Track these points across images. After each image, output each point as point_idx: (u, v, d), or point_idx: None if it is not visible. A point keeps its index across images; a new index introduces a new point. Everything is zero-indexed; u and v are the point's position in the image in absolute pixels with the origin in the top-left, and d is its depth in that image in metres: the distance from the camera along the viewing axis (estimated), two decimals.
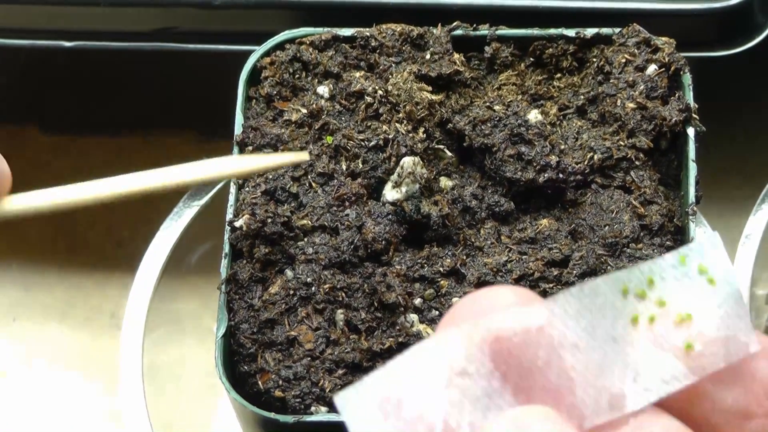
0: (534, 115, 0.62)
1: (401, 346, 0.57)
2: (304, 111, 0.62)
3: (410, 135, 0.60)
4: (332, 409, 0.57)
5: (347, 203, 0.59)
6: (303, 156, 0.58)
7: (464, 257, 0.59)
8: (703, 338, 0.36)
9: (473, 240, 0.60)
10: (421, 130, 0.61)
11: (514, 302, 0.37)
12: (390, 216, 0.59)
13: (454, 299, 0.58)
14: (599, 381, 0.36)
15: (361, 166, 0.60)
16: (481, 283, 0.58)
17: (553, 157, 0.60)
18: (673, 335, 0.37)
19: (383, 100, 0.61)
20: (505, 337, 0.36)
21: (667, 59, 0.61)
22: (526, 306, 0.36)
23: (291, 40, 0.63)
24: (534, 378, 0.36)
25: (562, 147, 0.61)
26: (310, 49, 0.63)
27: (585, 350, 0.36)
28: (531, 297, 0.37)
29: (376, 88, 0.61)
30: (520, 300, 0.37)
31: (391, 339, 0.57)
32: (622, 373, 0.36)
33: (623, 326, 0.37)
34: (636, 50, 0.62)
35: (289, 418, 0.56)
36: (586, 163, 0.61)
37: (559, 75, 0.64)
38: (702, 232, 0.70)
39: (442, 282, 0.59)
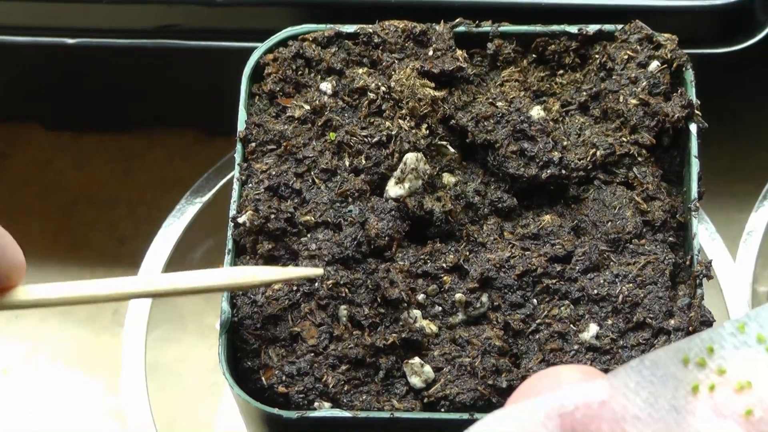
0: (536, 112, 0.62)
1: (404, 342, 0.57)
2: (307, 107, 0.62)
3: (413, 131, 0.60)
4: (335, 404, 0.57)
5: (350, 199, 0.59)
6: (317, 271, 0.57)
7: (467, 253, 0.59)
8: (764, 404, 0.37)
9: (476, 236, 0.60)
10: (424, 126, 0.61)
11: (580, 379, 0.38)
12: (393, 212, 0.59)
13: (457, 295, 0.58)
14: None
15: (364, 162, 0.60)
16: (484, 279, 0.58)
17: (556, 153, 0.60)
18: (733, 402, 0.37)
19: (386, 96, 0.61)
20: (569, 412, 0.37)
21: (669, 56, 0.61)
22: (589, 382, 0.37)
23: (294, 37, 0.63)
24: None
25: (565, 143, 0.61)
26: (313, 46, 0.63)
27: (647, 422, 0.37)
28: (595, 373, 0.38)
29: (379, 84, 0.61)
30: (585, 377, 0.38)
31: (394, 335, 0.57)
32: None
33: (684, 395, 0.37)
34: (638, 47, 0.62)
35: (293, 414, 0.56)
36: (588, 159, 0.61)
37: (561, 71, 0.64)
38: (704, 229, 0.70)
39: (445, 278, 0.59)
